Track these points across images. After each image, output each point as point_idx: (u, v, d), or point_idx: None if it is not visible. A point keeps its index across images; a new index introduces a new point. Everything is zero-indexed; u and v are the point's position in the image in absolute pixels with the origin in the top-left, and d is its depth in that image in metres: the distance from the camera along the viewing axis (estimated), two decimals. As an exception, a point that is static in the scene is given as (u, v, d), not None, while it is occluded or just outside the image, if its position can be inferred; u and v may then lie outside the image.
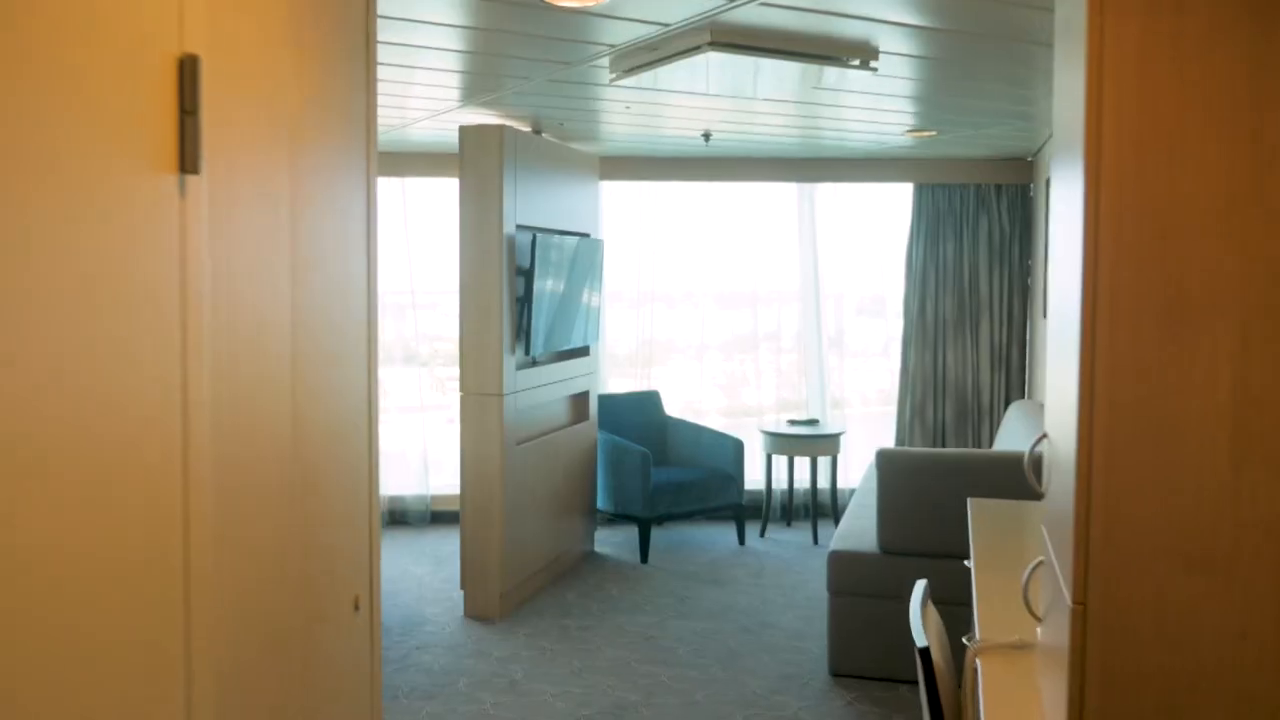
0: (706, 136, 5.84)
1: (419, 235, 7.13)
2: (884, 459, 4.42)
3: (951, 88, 4.45)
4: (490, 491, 5.24)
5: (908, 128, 5.53)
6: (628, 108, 4.96)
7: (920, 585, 2.66)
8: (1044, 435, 2.01)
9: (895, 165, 7.08)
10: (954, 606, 4.11)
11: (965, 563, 3.22)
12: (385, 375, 7.26)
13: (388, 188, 7.10)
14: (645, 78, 4.02)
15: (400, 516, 7.19)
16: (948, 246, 7.14)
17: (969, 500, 3.59)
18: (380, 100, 4.87)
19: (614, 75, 3.78)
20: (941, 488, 4.30)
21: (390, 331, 7.28)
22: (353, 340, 2.19)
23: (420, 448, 7.23)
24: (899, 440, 7.24)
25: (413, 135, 6.05)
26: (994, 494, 3.97)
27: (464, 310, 5.26)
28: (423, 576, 5.96)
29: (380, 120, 5.45)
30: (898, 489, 4.37)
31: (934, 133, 5.65)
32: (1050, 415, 1.96)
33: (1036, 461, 2.04)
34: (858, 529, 4.72)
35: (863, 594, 4.43)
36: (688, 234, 7.48)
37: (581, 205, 6.20)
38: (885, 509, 4.39)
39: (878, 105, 4.86)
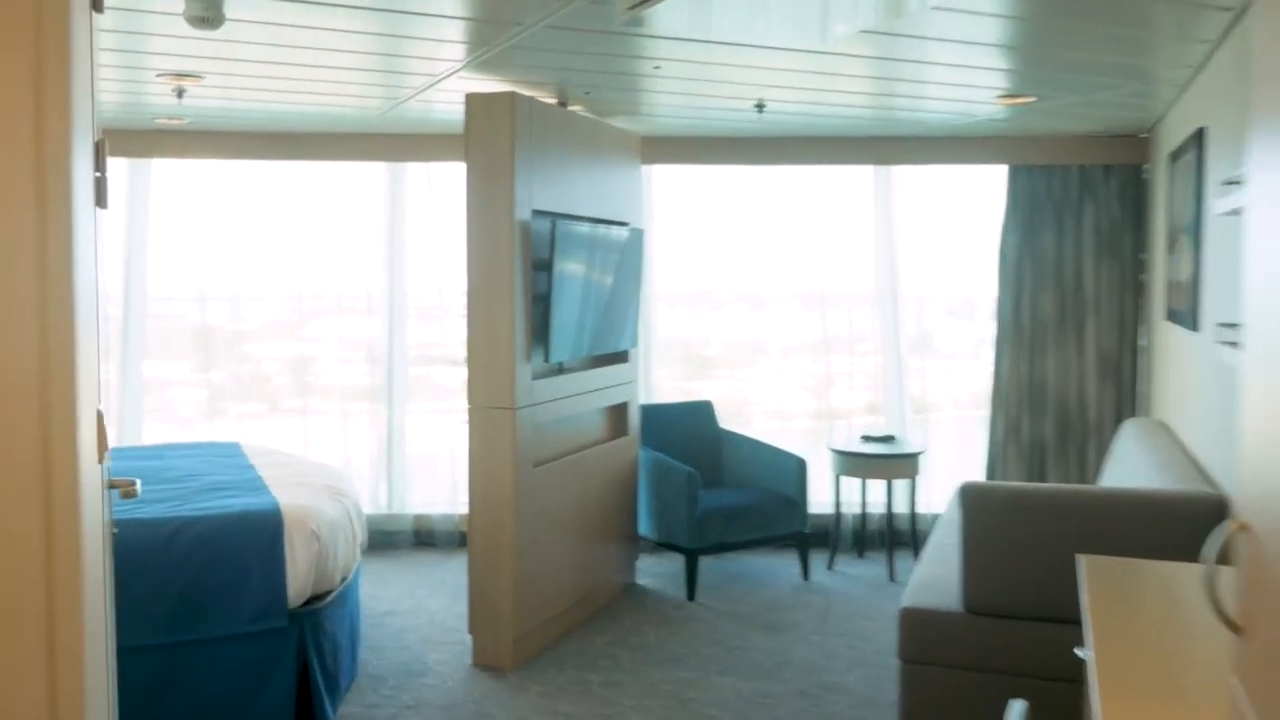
0: (760, 107, 5.01)
1: (455, 227, 6.40)
2: (971, 497, 3.54)
3: (1053, 34, 3.57)
4: (500, 520, 4.48)
5: (1000, 92, 4.63)
6: (657, 68, 4.16)
7: (1017, 711, 1.82)
8: (1237, 524, 1.17)
9: (985, 144, 6.15)
10: (1058, 683, 3.25)
11: (1077, 651, 2.38)
12: (418, 383, 6.57)
13: (409, 174, 6.40)
14: (671, 16, 3.23)
15: (427, 538, 6.49)
16: (1047, 237, 6.18)
17: (1080, 557, 2.70)
18: (369, 64, 4.14)
19: (625, 10, 2.98)
20: (1044, 533, 3.41)
21: (425, 335, 6.59)
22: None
23: (450, 462, 6.52)
24: (990, 462, 6.30)
25: (436, 114, 5.32)
26: (1113, 543, 3.10)
27: (471, 310, 4.51)
28: (435, 612, 5.23)
29: (376, 91, 4.73)
30: (987, 533, 3.48)
31: (1032, 98, 4.73)
32: (1250, 494, 1.12)
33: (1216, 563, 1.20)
34: (938, 578, 3.84)
35: (942, 663, 3.56)
36: (746, 225, 6.63)
37: (619, 191, 5.41)
38: (971, 558, 3.52)
39: (965, 58, 3.98)
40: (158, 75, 4.31)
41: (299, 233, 6.38)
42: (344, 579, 4.15)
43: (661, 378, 6.68)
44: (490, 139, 4.40)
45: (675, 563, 5.89)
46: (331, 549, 3.93)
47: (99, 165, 1.95)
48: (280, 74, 4.35)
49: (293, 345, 6.65)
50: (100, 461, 1.82)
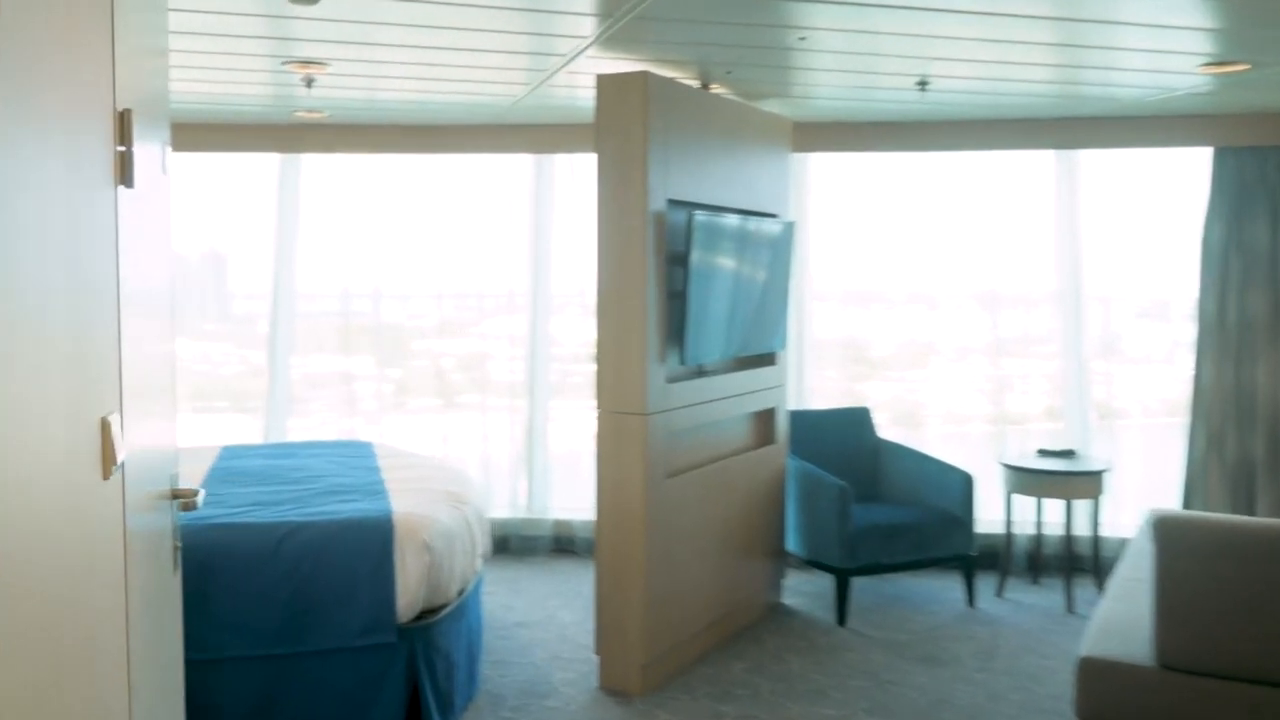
0: (923, 84, 4.52)
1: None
2: (1166, 531, 2.99)
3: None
4: (629, 535, 4.15)
5: (1205, 59, 4.01)
6: (802, 39, 3.75)
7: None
8: None
9: (1186, 124, 5.46)
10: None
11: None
12: (562, 381, 6.34)
13: (555, 167, 6.16)
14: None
15: (567, 544, 6.24)
16: (1258, 228, 5.44)
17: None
18: (489, 44, 3.89)
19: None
20: (1255, 576, 2.85)
21: (570, 331, 6.35)
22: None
23: (592, 466, 6.22)
24: (1188, 483, 5.60)
25: (577, 101, 5.04)
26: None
27: (601, 308, 4.20)
28: (567, 626, 4.95)
29: (501, 75, 4.47)
30: (1186, 575, 2.93)
31: (1244, 66, 4.08)
32: None
33: None
34: (1125, 622, 3.30)
35: (1128, 726, 3.03)
36: (911, 218, 6.12)
37: (767, 180, 5.01)
38: (1166, 603, 2.97)
39: (1164, 17, 3.42)
40: (283, 63, 4.17)
41: (444, 228, 6.22)
42: (461, 592, 3.91)
43: (819, 381, 6.24)
44: (622, 123, 4.08)
45: (825, 582, 5.44)
46: (445, 561, 3.69)
47: (123, 138, 1.71)
48: (404, 57, 4.15)
49: (435, 342, 6.52)
50: (106, 477, 1.57)
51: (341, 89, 4.78)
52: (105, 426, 1.57)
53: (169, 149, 2.23)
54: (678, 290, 4.26)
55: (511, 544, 6.18)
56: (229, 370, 6.21)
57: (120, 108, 1.71)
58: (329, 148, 6.02)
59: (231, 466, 4.58)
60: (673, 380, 4.31)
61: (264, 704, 3.49)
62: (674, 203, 4.23)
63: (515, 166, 6.21)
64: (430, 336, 6.52)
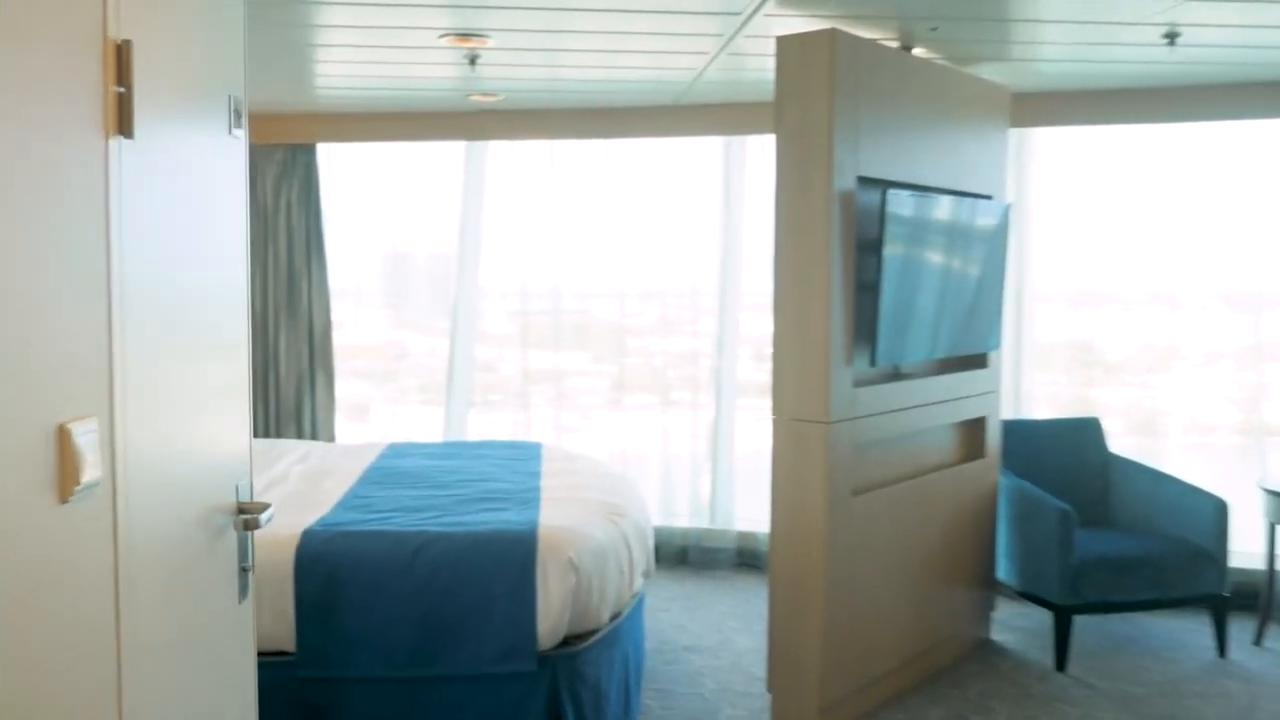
0: (1171, 37, 3.79)
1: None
2: None
3: None
4: (807, 559, 3.65)
5: None
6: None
7: None
8: None
9: None
10: None
11: None
12: (750, 383, 5.87)
13: (748, 150, 5.69)
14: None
15: (751, 559, 5.76)
16: None
17: None
18: (657, 5, 3.47)
19: None
20: None
21: (760, 329, 5.87)
22: None
23: (780, 475, 5.74)
24: None
25: (770, 74, 4.55)
26: None
27: (778, 301, 3.71)
28: (743, 654, 4.48)
29: (678, 44, 4.03)
30: None
31: None
32: None
33: None
34: None
35: None
36: (1151, 203, 5.29)
37: (979, 157, 4.36)
38: None
39: None
40: (440, 35, 3.89)
41: (628, 219, 5.85)
42: (616, 616, 3.51)
43: (1039, 386, 5.52)
44: (804, 89, 3.57)
45: (1042, 618, 4.73)
46: (594, 582, 3.30)
47: (121, 77, 1.37)
48: (566, 24, 3.79)
49: (617, 339, 6.14)
50: (64, 499, 1.23)
51: (513, 65, 4.49)
52: (63, 436, 1.23)
53: (239, 109, 1.91)
54: (869, 281, 3.72)
55: (691, 556, 5.77)
56: (454, 365, 6.01)
57: (117, 38, 1.37)
58: (509, 134, 5.77)
59: (389, 466, 4.36)
60: (861, 384, 3.77)
61: (396, 731, 3.20)
62: (865, 181, 3.69)
63: (702, 151, 5.78)
64: (613, 332, 6.16)
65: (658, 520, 5.80)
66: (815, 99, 3.53)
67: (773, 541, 3.76)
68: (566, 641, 3.29)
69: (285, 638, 3.17)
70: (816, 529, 3.62)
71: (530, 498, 3.79)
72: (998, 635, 4.67)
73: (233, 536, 1.90)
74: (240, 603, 1.97)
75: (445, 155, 5.95)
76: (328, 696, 3.17)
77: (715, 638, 4.68)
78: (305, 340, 5.86)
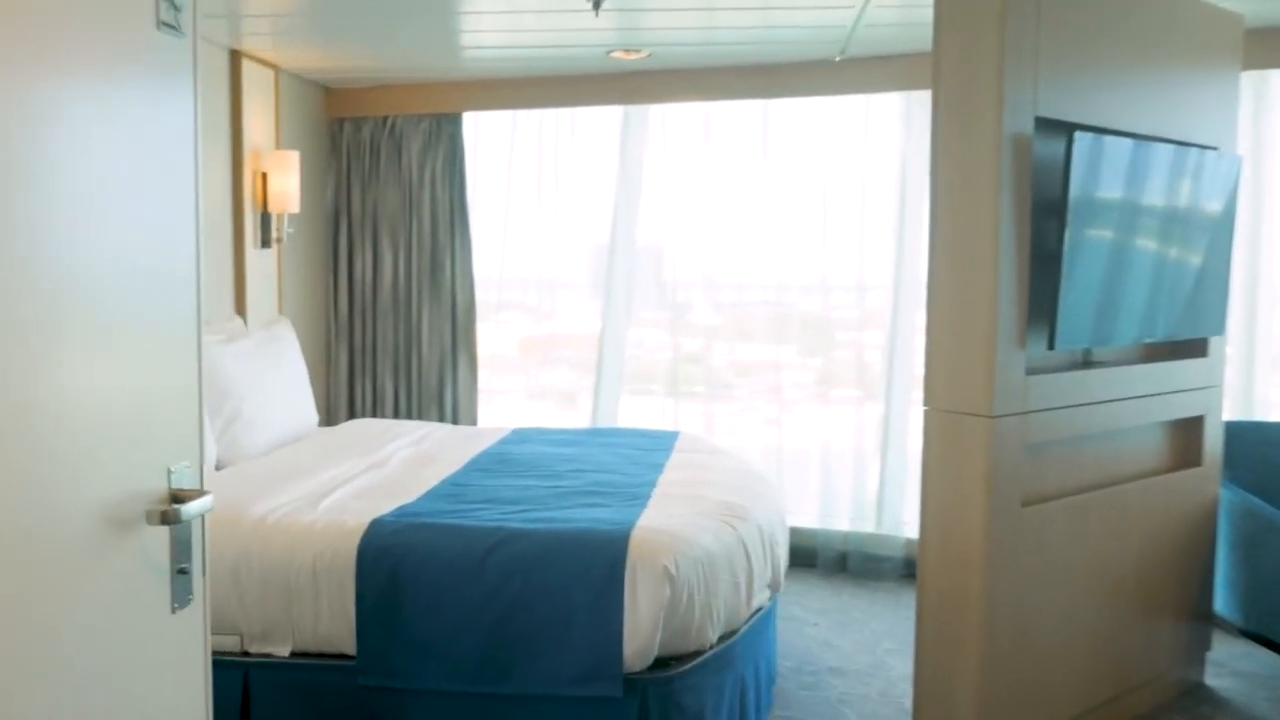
0: None
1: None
2: None
3: None
4: (964, 581, 3.03)
5: None
6: None
7: None
8: None
9: None
10: None
11: None
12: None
13: (920, 106, 5.02)
14: None
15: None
16: None
17: None
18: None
19: None
20: None
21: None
22: None
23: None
24: None
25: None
26: None
27: (933, 271, 3.09)
28: (896, 681, 3.87)
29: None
30: None
31: None
32: None
33: None
34: None
35: None
36: None
37: (1198, 98, 3.57)
38: None
39: None
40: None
41: (794, 192, 5.30)
42: (729, 635, 3.01)
43: (1278, 385, 4.62)
44: (967, 14, 2.95)
45: (1272, 664, 3.90)
46: (697, 596, 2.81)
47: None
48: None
49: (777, 327, 5.57)
50: None
51: (659, 10, 4.03)
52: None
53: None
54: (1048, 248, 3.06)
55: (851, 563, 5.16)
56: (661, 356, 5.57)
57: None
58: (660, 96, 5.31)
59: (503, 453, 4.00)
60: (1037, 371, 3.11)
61: (465, 753, 2.81)
62: (1046, 123, 3.02)
63: (881, 110, 5.14)
64: (772, 321, 5.58)
65: (814, 522, 5.23)
66: (982, 21, 2.90)
67: (922, 555, 3.15)
68: (663, 663, 2.81)
69: (346, 639, 2.84)
70: (974, 543, 3.00)
71: (640, 493, 3.33)
72: (1213, 680, 3.87)
73: (157, 532, 1.53)
74: (176, 612, 1.60)
75: (599, 123, 5.56)
76: (390, 707, 2.82)
77: (866, 660, 4.08)
78: (448, 320, 5.60)
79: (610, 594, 2.71)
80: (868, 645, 4.24)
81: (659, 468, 3.76)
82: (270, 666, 2.86)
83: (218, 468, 3.77)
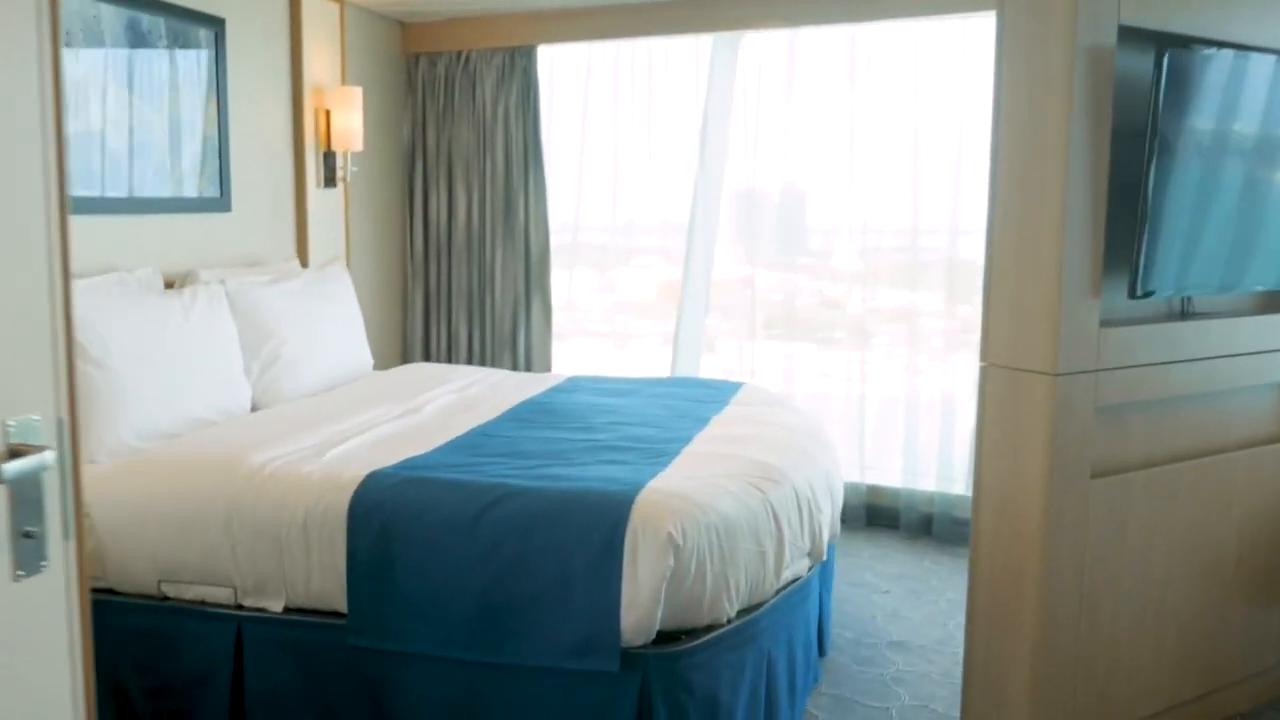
0: None
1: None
2: None
3: None
4: (1019, 560, 2.68)
5: None
6: None
7: None
8: None
9: None
10: None
11: None
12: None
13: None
14: None
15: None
16: None
17: None
18: None
19: None
20: None
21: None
22: None
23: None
24: None
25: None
26: None
27: (993, 208, 2.71)
28: (960, 653, 3.52)
29: None
30: None
31: None
32: None
33: None
34: None
35: None
36: None
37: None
38: None
39: None
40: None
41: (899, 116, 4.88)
42: (753, 608, 2.74)
43: None
44: (1038, -97, 2.53)
45: None
46: (708, 566, 2.55)
47: None
48: None
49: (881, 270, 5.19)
50: None
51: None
52: None
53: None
54: (1131, 178, 2.64)
55: (936, 527, 4.80)
56: (801, 301, 5.27)
57: None
58: (744, 23, 4.95)
59: (546, 402, 3.79)
60: (1114, 323, 2.71)
61: (459, 720, 2.64)
62: (1131, 34, 2.59)
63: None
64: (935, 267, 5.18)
65: (897, 481, 4.89)
66: (1052, -85, 2.49)
67: (976, 530, 2.82)
68: (673, 637, 2.57)
69: (338, 597, 2.69)
70: (1032, 518, 2.64)
71: (669, 450, 3.08)
72: (1334, 677, 3.41)
73: (-14, 491, 1.36)
74: (20, 580, 1.44)
75: (682, 55, 5.24)
76: (383, 670, 2.66)
77: (934, 634, 3.76)
78: (521, 262, 5.41)
79: (609, 562, 2.48)
80: (939, 618, 3.91)
81: (703, 421, 3.49)
82: (263, 621, 2.74)
83: (253, 410, 3.69)
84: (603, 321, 5.65)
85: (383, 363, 5.36)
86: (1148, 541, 2.84)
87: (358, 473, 2.78)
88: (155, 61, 3.84)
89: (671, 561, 2.48)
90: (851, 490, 4.93)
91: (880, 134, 4.85)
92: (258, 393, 3.76)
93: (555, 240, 5.41)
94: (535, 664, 2.54)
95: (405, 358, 5.67)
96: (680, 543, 2.49)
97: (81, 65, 3.51)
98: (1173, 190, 2.65)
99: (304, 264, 4.63)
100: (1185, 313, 2.93)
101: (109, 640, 2.84)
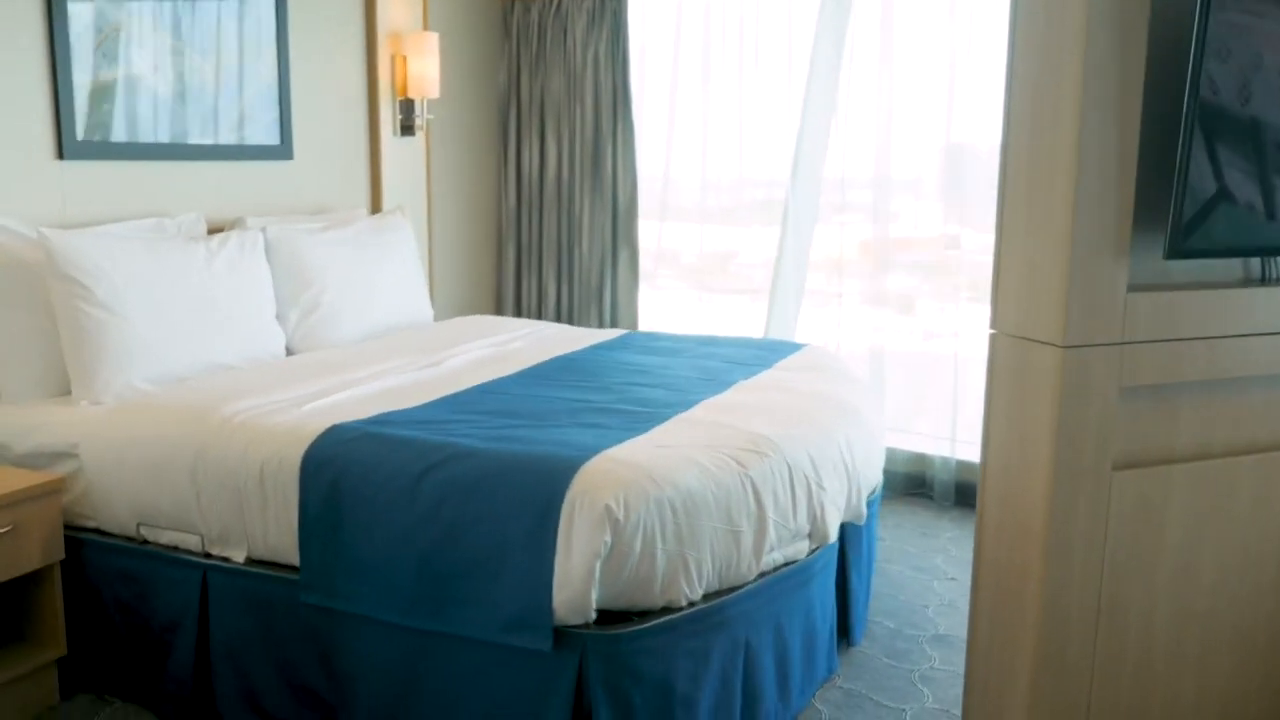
0: None
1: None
2: None
3: None
4: (1022, 568, 2.34)
5: None
6: None
7: None
8: None
9: None
10: None
11: None
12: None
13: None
14: None
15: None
16: None
17: None
18: None
19: None
20: None
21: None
22: None
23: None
24: None
25: None
26: None
27: (1006, 148, 2.34)
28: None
29: None
30: None
31: None
32: None
33: None
34: None
35: None
36: None
37: None
38: None
39: None
40: None
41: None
42: (724, 591, 2.51)
43: None
44: None
45: None
46: (658, 543, 2.34)
47: None
48: None
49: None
50: None
51: None
52: None
53: None
54: (1166, 121, 2.21)
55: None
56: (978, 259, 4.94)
57: None
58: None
59: (580, 358, 3.64)
60: (1146, 287, 2.30)
61: (403, 689, 2.53)
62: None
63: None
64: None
65: (964, 453, 4.50)
66: None
67: (979, 525, 2.48)
68: (622, 618, 2.38)
69: (292, 551, 2.63)
70: (1036, 515, 2.29)
71: (663, 415, 2.86)
72: None
73: None
74: None
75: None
76: (332, 629, 2.59)
77: (965, 612, 3.39)
78: (609, 214, 5.24)
79: (542, 534, 2.31)
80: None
81: (727, 385, 3.25)
82: (227, 571, 2.72)
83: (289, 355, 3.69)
84: (696, 277, 5.41)
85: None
86: (1194, 546, 2.43)
87: (321, 425, 2.70)
88: (213, 6, 3.85)
89: (608, 537, 2.27)
90: (941, 466, 4.58)
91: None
92: (295, 340, 3.75)
93: (650, 193, 5.21)
94: (471, 635, 2.40)
95: (498, 312, 5.62)
96: (620, 517, 2.29)
97: (136, 9, 3.55)
98: (1216, 125, 2.20)
99: (376, 212, 4.61)
100: (1247, 280, 2.47)
101: (96, 580, 2.89)
